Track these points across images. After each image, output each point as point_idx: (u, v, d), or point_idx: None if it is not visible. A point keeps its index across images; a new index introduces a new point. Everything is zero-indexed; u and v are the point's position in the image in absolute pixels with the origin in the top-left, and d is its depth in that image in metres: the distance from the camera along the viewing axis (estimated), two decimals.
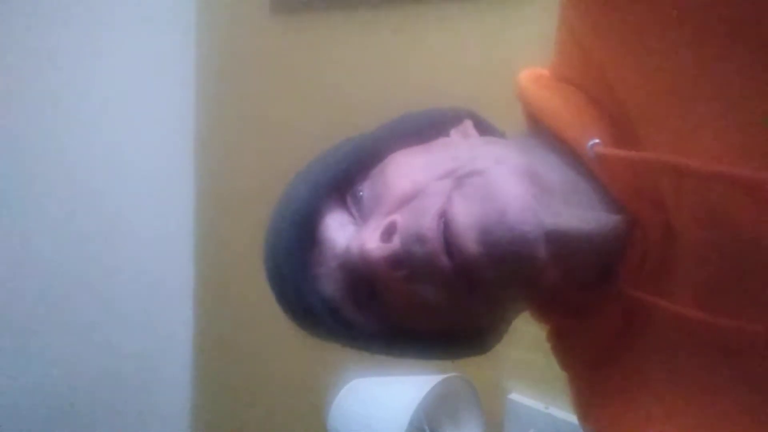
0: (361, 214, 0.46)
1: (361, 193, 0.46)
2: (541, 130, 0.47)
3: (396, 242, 0.41)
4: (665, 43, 0.37)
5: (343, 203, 0.47)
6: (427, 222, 0.40)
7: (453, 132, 0.50)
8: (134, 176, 1.44)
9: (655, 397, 0.45)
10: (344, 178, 0.47)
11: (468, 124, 0.50)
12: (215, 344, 1.60)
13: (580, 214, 0.42)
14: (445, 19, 1.06)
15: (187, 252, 1.60)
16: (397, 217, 0.42)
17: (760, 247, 0.37)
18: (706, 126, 0.37)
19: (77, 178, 1.34)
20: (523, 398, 1.01)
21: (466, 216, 0.39)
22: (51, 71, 1.28)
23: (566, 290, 0.47)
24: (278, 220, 0.48)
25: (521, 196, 0.39)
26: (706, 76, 0.36)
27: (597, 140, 0.42)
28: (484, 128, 0.52)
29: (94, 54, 1.34)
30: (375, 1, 1.15)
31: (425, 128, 0.50)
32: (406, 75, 1.13)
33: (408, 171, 0.44)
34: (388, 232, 0.42)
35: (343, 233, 0.45)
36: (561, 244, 0.40)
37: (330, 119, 1.25)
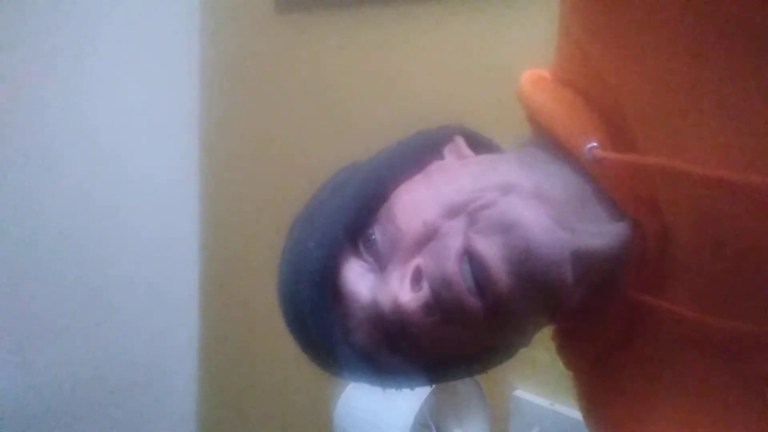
0: (377, 259, 0.46)
1: (373, 237, 0.46)
2: (541, 133, 0.47)
3: (426, 290, 0.41)
4: (663, 46, 0.37)
5: (355, 249, 0.46)
6: (449, 265, 0.40)
7: (446, 152, 0.51)
8: (139, 179, 1.44)
9: (656, 397, 0.45)
10: (354, 226, 0.46)
11: (460, 142, 0.51)
12: (221, 350, 1.60)
13: (594, 229, 0.42)
14: (450, 19, 1.06)
15: (192, 257, 1.60)
16: (420, 261, 0.42)
17: (757, 249, 0.37)
18: (704, 129, 0.37)
19: (81, 182, 1.34)
20: (528, 395, 1.01)
21: (489, 250, 0.39)
22: (53, 72, 1.28)
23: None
24: (293, 279, 0.47)
25: (539, 221, 0.39)
26: (704, 80, 0.36)
27: (594, 143, 0.42)
28: (476, 143, 0.52)
29: (97, 54, 1.34)
30: (379, 1, 1.15)
31: (419, 154, 0.50)
32: (411, 74, 1.13)
33: (416, 210, 0.44)
34: (416, 279, 0.42)
35: (364, 283, 0.45)
36: (584, 263, 0.40)
37: (334, 118, 1.25)
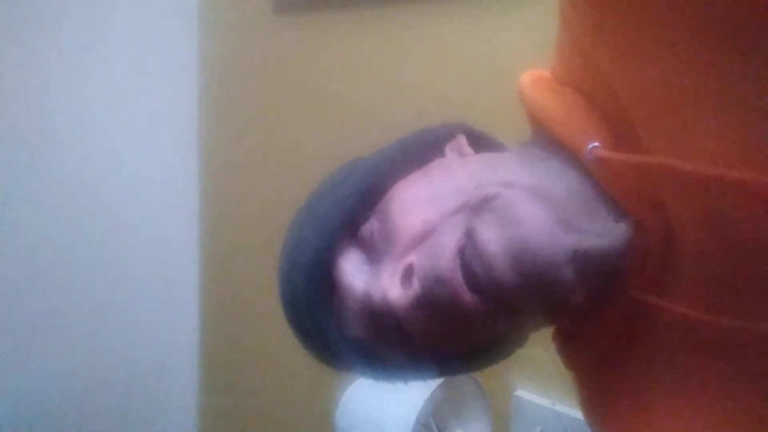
0: (373, 252, 0.46)
1: (370, 230, 0.46)
2: (542, 133, 0.47)
3: (416, 286, 0.41)
4: (665, 46, 0.37)
5: (353, 241, 0.47)
6: (444, 262, 0.40)
7: (448, 150, 0.51)
8: (138, 180, 1.44)
9: (659, 397, 0.45)
10: (351, 219, 0.47)
11: (461, 140, 0.51)
12: (221, 351, 1.60)
13: (596, 229, 0.42)
14: (449, 19, 1.06)
15: (192, 258, 1.60)
16: (413, 259, 0.42)
17: (760, 248, 0.37)
18: (706, 129, 0.37)
19: (80, 184, 1.34)
20: (529, 395, 1.01)
21: (491, 245, 0.40)
22: (52, 74, 1.28)
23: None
24: (291, 269, 0.48)
25: (542, 220, 0.40)
26: (706, 80, 0.36)
27: (597, 143, 0.42)
28: (477, 141, 0.52)
29: (95, 55, 1.34)
30: (378, 1, 1.15)
31: (420, 151, 0.50)
32: (410, 74, 1.13)
33: (415, 208, 0.44)
34: (407, 276, 0.42)
35: (360, 276, 0.46)
36: (585, 262, 0.40)
37: (333, 118, 1.25)
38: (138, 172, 1.44)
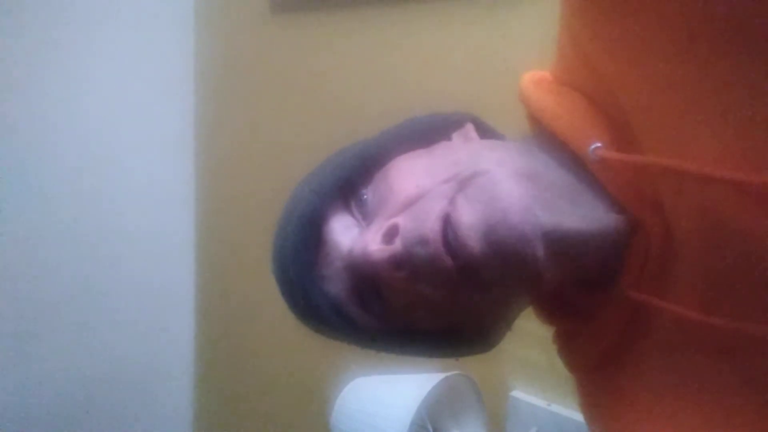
0: (365, 217, 0.47)
1: (365, 197, 0.47)
2: (543, 133, 0.47)
3: (397, 244, 0.42)
4: (664, 47, 0.37)
5: (347, 206, 0.48)
6: (429, 224, 0.41)
7: (455, 136, 0.51)
8: (135, 179, 1.44)
9: (658, 398, 0.45)
10: (348, 182, 0.48)
11: (469, 128, 0.51)
12: (217, 348, 1.60)
13: (580, 214, 0.43)
14: (447, 19, 1.06)
15: (188, 256, 1.60)
16: (399, 220, 0.43)
17: (759, 248, 0.37)
18: (706, 129, 0.37)
19: (77, 182, 1.34)
20: (525, 395, 1.01)
21: (469, 216, 0.40)
22: (49, 74, 1.27)
23: (570, 292, 0.48)
24: (285, 222, 0.49)
25: (521, 196, 0.40)
26: (706, 80, 0.36)
27: (598, 144, 0.43)
28: (485, 131, 0.53)
29: (92, 54, 1.34)
30: (375, 1, 1.15)
31: (427, 132, 0.51)
32: (407, 75, 1.13)
33: (411, 175, 0.45)
34: (390, 234, 0.43)
35: (348, 235, 0.47)
36: (560, 243, 0.41)
37: (330, 118, 1.25)
38: (134, 172, 1.44)
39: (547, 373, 0.97)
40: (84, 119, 1.34)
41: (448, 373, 0.92)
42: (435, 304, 0.44)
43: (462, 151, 0.47)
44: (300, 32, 1.31)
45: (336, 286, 0.47)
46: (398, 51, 1.14)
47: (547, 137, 0.47)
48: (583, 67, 0.45)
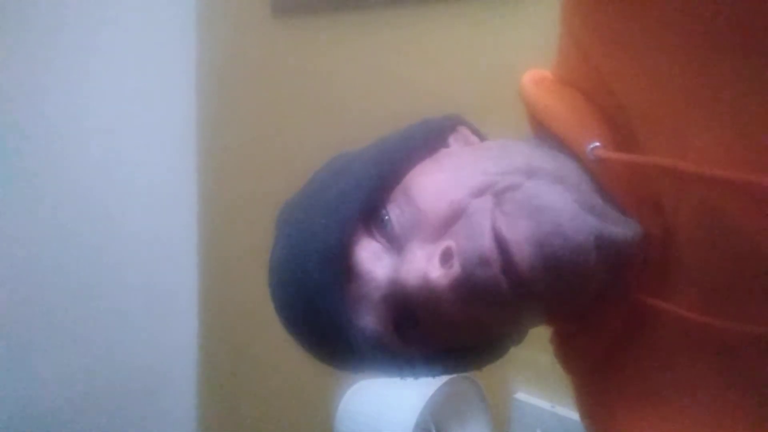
0: (391, 240, 0.44)
1: (386, 217, 0.44)
2: (544, 133, 0.47)
3: (456, 268, 0.40)
4: (664, 47, 0.37)
5: (368, 229, 0.45)
6: (486, 243, 0.39)
7: (451, 140, 0.50)
8: (137, 184, 1.44)
9: (657, 400, 0.45)
10: (368, 204, 0.44)
11: (465, 131, 0.51)
12: (220, 352, 1.60)
13: (612, 217, 0.42)
14: (447, 21, 1.06)
15: (191, 260, 1.60)
16: (451, 242, 0.41)
17: (759, 249, 0.37)
18: (706, 129, 0.37)
19: (79, 185, 1.34)
20: (529, 398, 1.01)
21: (517, 234, 0.39)
22: (50, 78, 1.28)
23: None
24: (301, 257, 0.44)
25: (567, 205, 0.39)
26: (705, 80, 0.36)
27: (597, 143, 0.42)
28: (476, 133, 0.52)
29: (94, 59, 1.34)
30: (376, 4, 1.15)
31: (425, 140, 0.49)
32: (408, 77, 1.13)
33: (438, 191, 0.43)
34: (446, 258, 0.41)
35: (380, 263, 0.44)
36: (607, 248, 0.40)
37: (332, 122, 1.25)
38: (137, 176, 1.44)
39: (551, 375, 0.97)
40: (87, 123, 1.34)
41: (452, 376, 0.92)
42: (482, 323, 0.43)
43: (481, 158, 0.45)
44: (301, 35, 1.31)
45: (373, 319, 0.44)
46: (399, 54, 1.14)
47: (547, 137, 0.47)
48: (584, 67, 0.44)
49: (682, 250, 0.41)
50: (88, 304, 1.38)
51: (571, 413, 0.95)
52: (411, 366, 0.47)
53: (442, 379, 0.91)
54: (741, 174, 0.35)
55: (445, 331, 0.44)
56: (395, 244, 0.44)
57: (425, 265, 0.41)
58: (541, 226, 0.39)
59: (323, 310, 0.43)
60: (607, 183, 0.43)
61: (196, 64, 1.53)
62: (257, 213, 1.43)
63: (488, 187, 0.42)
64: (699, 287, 0.41)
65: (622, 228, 0.41)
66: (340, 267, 0.43)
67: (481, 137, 0.53)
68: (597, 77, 0.43)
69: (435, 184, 0.44)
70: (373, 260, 0.43)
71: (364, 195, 0.44)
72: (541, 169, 0.42)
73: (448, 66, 1.07)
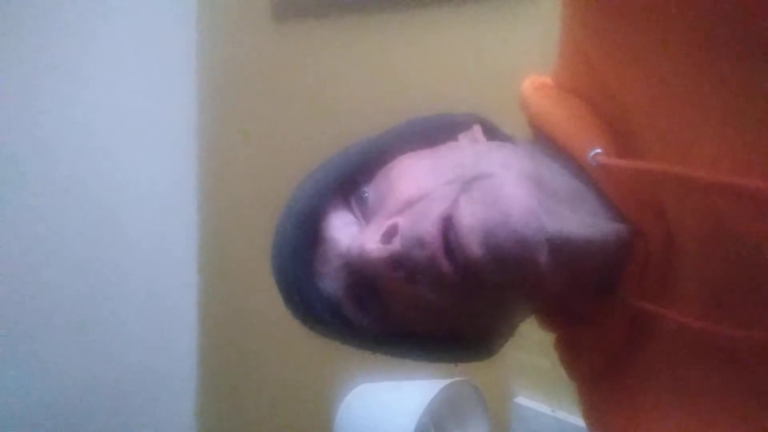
0: (365, 215, 0.46)
1: (366, 195, 0.47)
2: (544, 139, 0.47)
3: (396, 244, 0.41)
4: (666, 53, 0.37)
5: (347, 204, 0.47)
6: (428, 225, 0.40)
7: (461, 137, 0.50)
8: (137, 187, 1.44)
9: (660, 405, 0.45)
10: (349, 179, 0.47)
11: (477, 130, 0.51)
12: (220, 355, 1.60)
13: (583, 220, 0.42)
14: (448, 25, 1.06)
15: (191, 262, 1.60)
16: (399, 220, 0.42)
17: (762, 255, 0.37)
18: (709, 134, 0.37)
19: (80, 187, 1.34)
20: (529, 402, 1.01)
21: (471, 218, 0.39)
22: (50, 80, 1.28)
23: (571, 299, 0.47)
24: (284, 219, 0.49)
25: (525, 200, 0.39)
26: (708, 86, 0.36)
27: (599, 150, 0.42)
28: (493, 133, 0.52)
29: (95, 60, 1.34)
30: (377, 8, 1.15)
31: (433, 133, 0.50)
32: (410, 81, 1.13)
33: (413, 174, 0.44)
34: (389, 234, 0.42)
35: (347, 233, 0.46)
36: (563, 249, 0.40)
37: (333, 125, 1.25)
38: (136, 179, 1.44)
39: (551, 379, 0.97)
40: (86, 126, 1.34)
41: (452, 380, 0.92)
42: (433, 307, 0.43)
43: (467, 153, 0.46)
44: (302, 39, 1.31)
45: (333, 284, 0.46)
46: (400, 57, 1.14)
47: (547, 144, 0.47)
48: (585, 72, 0.44)
49: (685, 257, 0.41)
50: (88, 307, 1.38)
51: (571, 418, 0.95)
52: (366, 337, 0.48)
53: (442, 383, 0.91)
54: (744, 180, 0.35)
55: (404, 310, 0.44)
56: (367, 219, 0.46)
57: (368, 237, 0.43)
58: (493, 216, 0.39)
59: (290, 268, 0.47)
60: (609, 190, 0.43)
61: (197, 67, 1.53)
62: (257, 216, 1.44)
63: (458, 177, 0.42)
64: (701, 294, 0.41)
65: (590, 230, 0.41)
66: (310, 230, 0.46)
67: (502, 137, 0.52)
68: (598, 82, 0.43)
69: (414, 168, 0.45)
70: (341, 228, 0.46)
71: (347, 169, 0.48)
72: (517, 166, 0.42)
73: (449, 70, 1.07)
